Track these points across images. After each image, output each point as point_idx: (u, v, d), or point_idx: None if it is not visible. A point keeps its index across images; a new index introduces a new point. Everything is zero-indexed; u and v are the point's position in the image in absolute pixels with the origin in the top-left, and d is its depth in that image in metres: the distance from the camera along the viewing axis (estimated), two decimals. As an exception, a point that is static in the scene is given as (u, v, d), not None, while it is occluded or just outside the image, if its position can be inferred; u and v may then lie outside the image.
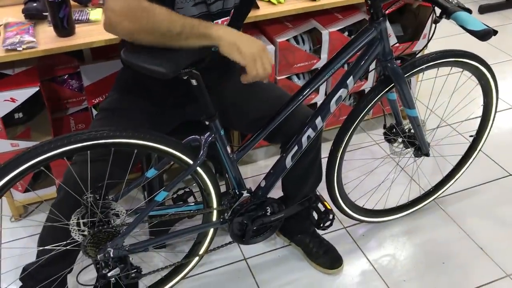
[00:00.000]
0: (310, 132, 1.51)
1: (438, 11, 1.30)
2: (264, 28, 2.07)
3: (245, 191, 1.52)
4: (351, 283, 1.79)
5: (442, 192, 2.04)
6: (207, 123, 1.34)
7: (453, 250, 1.91)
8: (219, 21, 1.40)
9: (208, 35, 1.16)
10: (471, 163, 1.99)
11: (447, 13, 1.24)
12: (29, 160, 1.17)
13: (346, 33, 2.19)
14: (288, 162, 1.54)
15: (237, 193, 1.52)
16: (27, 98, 1.72)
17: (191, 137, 1.37)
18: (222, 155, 1.42)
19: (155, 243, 1.59)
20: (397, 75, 1.53)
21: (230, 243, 1.61)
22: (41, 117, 1.93)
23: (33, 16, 1.75)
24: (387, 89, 1.57)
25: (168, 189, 1.36)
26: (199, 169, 1.39)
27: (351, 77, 1.48)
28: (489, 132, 1.90)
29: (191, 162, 1.35)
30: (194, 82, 1.25)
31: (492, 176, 2.24)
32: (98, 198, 1.31)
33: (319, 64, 2.15)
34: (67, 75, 2.03)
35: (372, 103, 1.59)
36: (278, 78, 2.10)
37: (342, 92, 1.49)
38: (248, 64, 1.18)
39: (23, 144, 1.81)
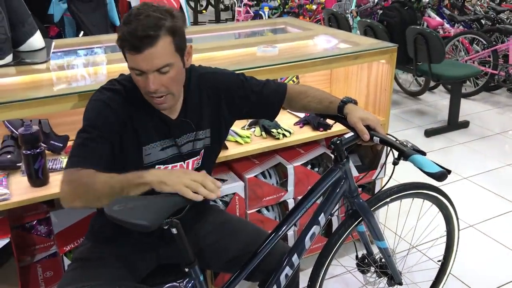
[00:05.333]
0: (287, 270, 1.53)
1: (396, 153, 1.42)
2: (232, 166, 2.17)
3: (227, 339, 1.48)
4: None
5: (419, 319, 2.04)
6: (186, 270, 1.35)
7: None
8: (190, 161, 1.51)
9: (142, 183, 1.23)
10: (442, 287, 2.03)
11: (404, 155, 1.37)
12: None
13: (309, 166, 2.32)
14: (268, 303, 1.54)
15: None
16: (-4, 250, 1.67)
17: (170, 284, 1.36)
18: (203, 302, 1.41)
19: None
20: (364, 210, 1.62)
21: None
22: (8, 266, 1.85)
23: (6, 167, 1.78)
24: (355, 223, 1.65)
25: None
26: (179, 318, 1.37)
27: (322, 214, 1.56)
28: (455, 256, 1.97)
29: (171, 312, 1.33)
30: (174, 230, 1.28)
31: (463, 298, 2.27)
32: None
33: (287, 196, 2.23)
34: (35, 221, 2.01)
35: (343, 237, 1.65)
36: (249, 212, 2.16)
37: (315, 229, 1.56)
38: (179, 190, 1.21)
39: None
